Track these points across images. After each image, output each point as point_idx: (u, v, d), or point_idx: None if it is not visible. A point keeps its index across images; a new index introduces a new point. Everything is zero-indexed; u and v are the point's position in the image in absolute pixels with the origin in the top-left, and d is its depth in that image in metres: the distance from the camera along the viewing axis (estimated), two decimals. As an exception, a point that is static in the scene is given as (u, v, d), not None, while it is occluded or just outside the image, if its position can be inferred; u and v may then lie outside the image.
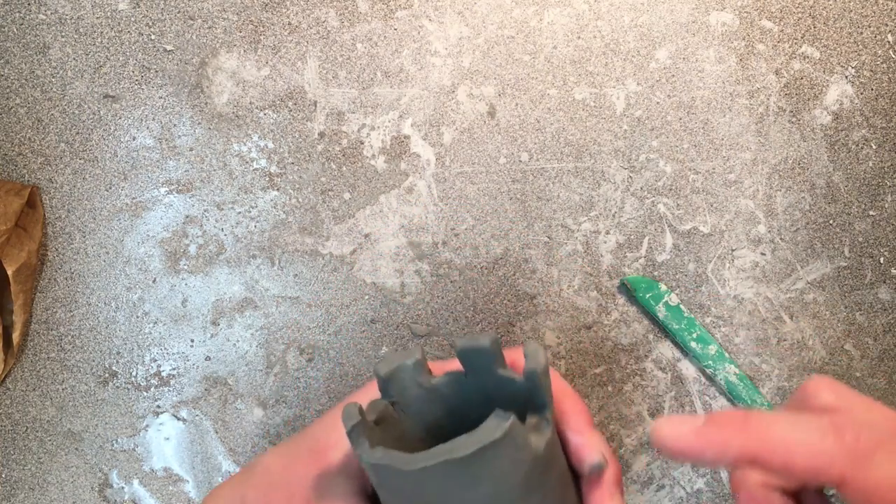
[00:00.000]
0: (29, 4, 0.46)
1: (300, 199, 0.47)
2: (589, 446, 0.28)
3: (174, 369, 0.47)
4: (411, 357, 0.28)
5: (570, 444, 0.29)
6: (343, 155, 0.47)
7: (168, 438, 0.47)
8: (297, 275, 0.47)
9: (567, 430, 0.29)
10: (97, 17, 0.46)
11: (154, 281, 0.47)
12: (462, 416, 0.30)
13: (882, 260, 0.48)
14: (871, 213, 0.48)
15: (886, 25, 0.47)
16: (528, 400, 0.26)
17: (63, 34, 0.46)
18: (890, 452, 0.21)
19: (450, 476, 0.23)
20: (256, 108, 0.46)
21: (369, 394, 0.31)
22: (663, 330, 0.48)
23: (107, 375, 0.47)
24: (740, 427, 0.23)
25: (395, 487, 0.25)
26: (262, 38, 0.46)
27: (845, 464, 0.21)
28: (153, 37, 0.46)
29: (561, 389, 0.30)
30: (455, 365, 0.30)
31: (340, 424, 0.31)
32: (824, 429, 0.22)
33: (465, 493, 0.24)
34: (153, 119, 0.46)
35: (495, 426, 0.23)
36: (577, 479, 0.29)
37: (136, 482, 0.47)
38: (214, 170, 0.47)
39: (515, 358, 0.30)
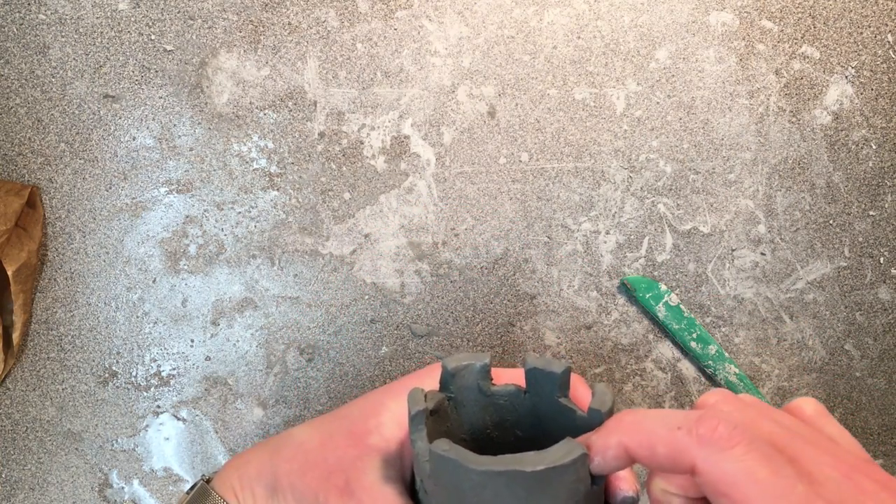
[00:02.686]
0: (29, 4, 0.46)
1: (300, 199, 0.47)
2: (627, 480, 0.29)
3: (174, 369, 0.47)
4: (481, 360, 0.29)
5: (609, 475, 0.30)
6: (343, 155, 0.47)
7: (168, 438, 0.47)
8: (297, 275, 0.47)
9: None
10: (97, 17, 0.46)
11: (154, 281, 0.47)
12: (508, 430, 0.31)
13: (882, 260, 0.48)
14: (871, 213, 0.48)
15: (886, 25, 0.47)
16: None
17: (63, 34, 0.46)
18: (746, 452, 0.21)
19: (510, 486, 0.24)
20: (256, 108, 0.46)
21: (418, 382, 0.32)
22: (663, 330, 0.48)
23: (107, 375, 0.47)
24: (616, 426, 0.24)
25: (452, 483, 0.25)
26: (262, 38, 0.46)
27: (697, 454, 0.22)
28: (153, 37, 0.46)
29: None
30: (514, 375, 0.31)
31: (380, 410, 0.31)
32: (683, 421, 0.23)
33: None
34: (153, 119, 0.46)
35: (567, 451, 0.24)
36: None
37: (136, 482, 0.47)
38: (214, 170, 0.47)
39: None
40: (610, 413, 0.27)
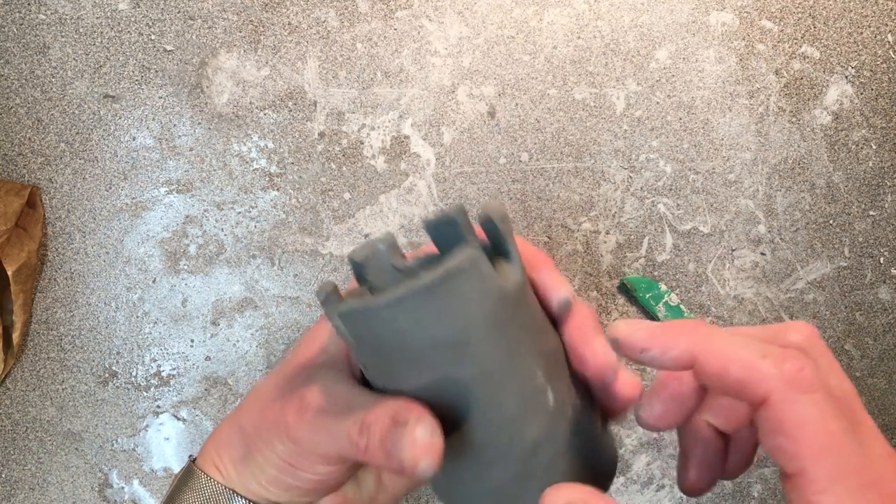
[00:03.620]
0: (29, 4, 0.46)
1: (300, 199, 0.47)
2: (554, 286, 0.28)
3: (174, 369, 0.47)
4: (385, 242, 0.28)
5: (538, 289, 0.28)
6: (343, 155, 0.47)
7: (168, 438, 0.47)
8: (297, 275, 0.47)
9: (533, 276, 0.29)
10: (97, 17, 0.46)
11: (154, 281, 0.47)
12: None
13: (882, 260, 0.48)
14: (871, 213, 0.48)
15: (886, 25, 0.47)
16: (495, 252, 0.26)
17: (63, 34, 0.46)
18: (820, 401, 0.22)
19: (418, 309, 0.23)
20: (256, 108, 0.46)
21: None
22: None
23: (107, 375, 0.47)
24: (689, 330, 0.24)
25: (371, 337, 0.25)
26: (262, 38, 0.46)
27: (774, 386, 0.22)
28: (153, 37, 0.46)
29: (528, 249, 0.30)
30: (427, 249, 0.30)
31: (322, 334, 0.31)
32: (768, 351, 0.22)
33: (435, 327, 0.24)
34: (153, 119, 0.46)
35: (460, 255, 0.23)
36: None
37: (136, 482, 0.47)
38: (214, 170, 0.47)
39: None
40: (503, 217, 0.26)
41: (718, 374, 0.23)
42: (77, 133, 0.46)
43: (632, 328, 0.25)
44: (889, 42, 0.48)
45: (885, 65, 0.47)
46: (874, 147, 0.48)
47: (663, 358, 0.24)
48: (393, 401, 0.26)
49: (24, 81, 0.46)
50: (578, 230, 0.47)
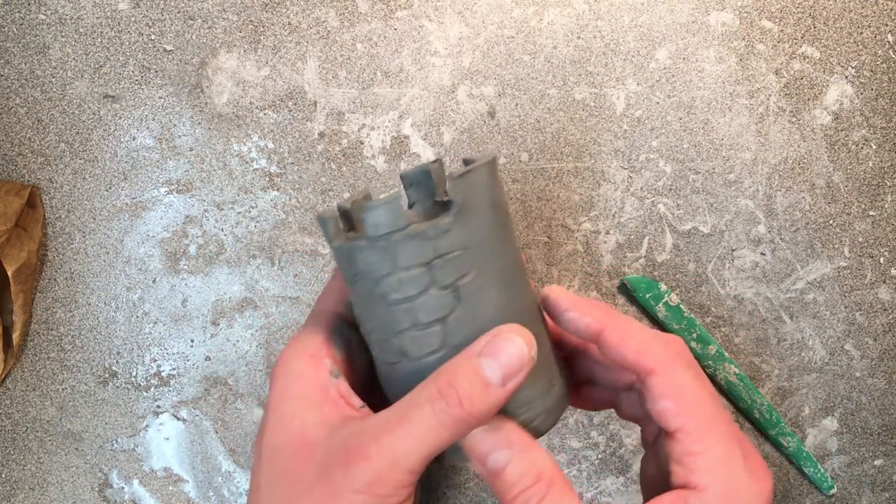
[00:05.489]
0: (29, 4, 0.46)
1: (300, 199, 0.47)
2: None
3: (174, 369, 0.47)
4: (392, 198, 0.30)
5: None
6: (343, 155, 0.47)
7: (168, 438, 0.47)
8: (297, 275, 0.47)
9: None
10: (97, 17, 0.46)
11: (154, 281, 0.47)
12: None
13: (882, 260, 0.48)
14: (871, 213, 0.48)
15: (886, 25, 0.47)
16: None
17: (63, 34, 0.46)
18: (694, 374, 0.28)
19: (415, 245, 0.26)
20: (256, 108, 0.46)
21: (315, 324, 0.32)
22: (663, 330, 0.48)
23: (107, 375, 0.47)
24: (602, 307, 0.29)
25: (371, 279, 0.27)
26: (262, 38, 0.46)
27: (662, 359, 0.28)
28: (153, 37, 0.46)
29: None
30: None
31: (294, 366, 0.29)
32: (657, 336, 0.29)
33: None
34: (153, 119, 0.46)
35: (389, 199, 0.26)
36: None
37: (136, 482, 0.47)
38: (214, 170, 0.47)
39: None
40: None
41: (619, 345, 0.28)
42: (77, 133, 0.46)
43: (560, 292, 0.29)
44: (889, 42, 0.48)
45: (885, 65, 0.47)
46: (874, 147, 0.48)
47: (578, 322, 0.29)
48: (455, 359, 0.26)
49: (24, 81, 0.46)
50: (578, 230, 0.47)
